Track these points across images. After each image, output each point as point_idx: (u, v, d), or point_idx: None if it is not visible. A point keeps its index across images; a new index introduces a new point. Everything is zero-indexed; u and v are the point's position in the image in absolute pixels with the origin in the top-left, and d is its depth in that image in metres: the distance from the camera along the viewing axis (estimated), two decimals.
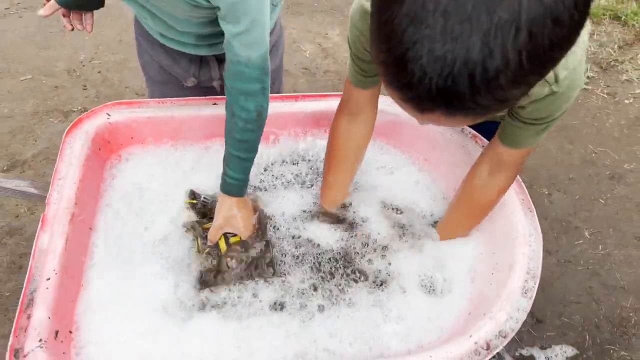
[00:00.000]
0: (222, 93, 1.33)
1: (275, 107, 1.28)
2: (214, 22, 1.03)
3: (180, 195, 1.21)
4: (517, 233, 1.10)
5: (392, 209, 1.22)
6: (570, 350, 1.61)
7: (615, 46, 2.52)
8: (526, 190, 1.15)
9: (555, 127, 2.09)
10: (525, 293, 1.02)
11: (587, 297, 1.73)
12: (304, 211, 1.21)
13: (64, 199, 1.09)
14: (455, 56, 0.46)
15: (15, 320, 0.94)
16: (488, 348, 0.95)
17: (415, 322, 1.03)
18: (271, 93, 1.07)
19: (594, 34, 2.59)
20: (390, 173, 1.31)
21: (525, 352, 1.59)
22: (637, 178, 2.04)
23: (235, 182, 1.08)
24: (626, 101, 2.31)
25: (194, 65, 1.27)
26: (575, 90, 0.80)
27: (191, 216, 1.18)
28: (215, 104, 1.30)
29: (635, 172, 2.06)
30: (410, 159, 1.34)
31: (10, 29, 2.64)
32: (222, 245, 1.13)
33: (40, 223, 1.04)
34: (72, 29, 1.13)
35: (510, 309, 1.00)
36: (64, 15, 1.12)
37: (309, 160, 1.32)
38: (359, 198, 1.23)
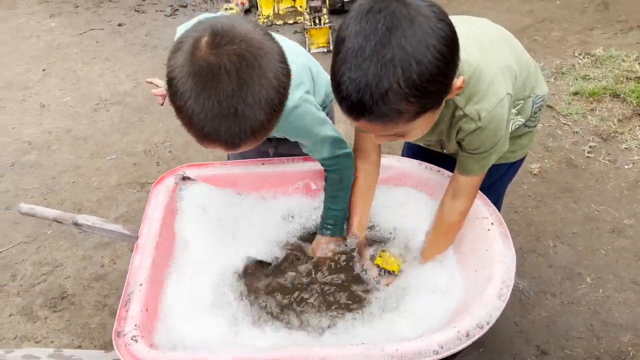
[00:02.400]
0: (275, 156, 1.74)
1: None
2: None
3: (234, 236, 1.58)
4: (494, 254, 1.40)
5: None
6: None
7: (615, 120, 2.83)
8: (504, 223, 1.44)
9: (560, 190, 2.40)
10: (500, 297, 1.31)
11: (588, 333, 1.93)
12: None
13: (151, 232, 1.49)
14: (361, 81, 0.88)
15: (117, 314, 1.29)
16: (467, 335, 1.24)
17: (415, 318, 1.34)
18: None
19: (595, 110, 2.92)
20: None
21: None
22: (635, 232, 2.28)
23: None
24: (626, 166, 2.58)
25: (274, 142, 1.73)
26: (498, 128, 1.17)
27: None
28: (263, 164, 1.70)
29: (634, 226, 2.30)
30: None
31: (100, 120, 3.23)
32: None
33: (134, 249, 1.44)
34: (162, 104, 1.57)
35: (487, 308, 1.29)
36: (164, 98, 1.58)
37: None
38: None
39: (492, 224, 1.45)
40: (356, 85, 0.90)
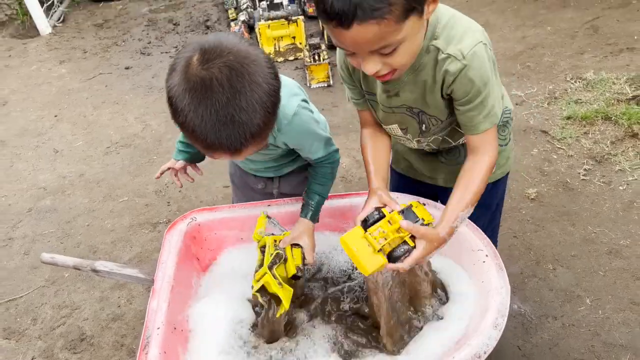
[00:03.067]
0: (278, 197, 1.84)
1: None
2: (277, 159, 1.64)
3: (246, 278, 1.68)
4: (490, 286, 1.49)
5: None
6: None
7: (608, 142, 2.92)
8: (498, 255, 1.51)
9: (557, 213, 2.49)
10: (495, 327, 1.39)
11: (589, 354, 2.00)
12: None
13: (166, 276, 1.59)
14: None
15: (137, 356, 1.38)
16: None
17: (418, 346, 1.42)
18: None
19: (588, 133, 3.01)
20: None
21: None
22: (632, 252, 2.35)
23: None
24: (620, 187, 2.67)
25: (262, 181, 1.83)
26: (483, 67, 1.20)
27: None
28: (269, 205, 1.80)
29: (630, 247, 2.37)
30: None
31: (111, 162, 3.36)
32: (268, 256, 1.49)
33: (151, 294, 1.54)
34: (182, 186, 1.71)
35: (484, 338, 1.37)
36: (175, 175, 1.69)
37: None
38: None
39: (486, 256, 1.53)
40: None
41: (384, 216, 1.28)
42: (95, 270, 1.81)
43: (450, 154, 1.60)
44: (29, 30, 5.33)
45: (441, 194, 1.73)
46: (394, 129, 1.49)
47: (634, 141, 2.90)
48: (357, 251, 1.23)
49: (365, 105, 1.50)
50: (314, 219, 1.60)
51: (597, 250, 2.38)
